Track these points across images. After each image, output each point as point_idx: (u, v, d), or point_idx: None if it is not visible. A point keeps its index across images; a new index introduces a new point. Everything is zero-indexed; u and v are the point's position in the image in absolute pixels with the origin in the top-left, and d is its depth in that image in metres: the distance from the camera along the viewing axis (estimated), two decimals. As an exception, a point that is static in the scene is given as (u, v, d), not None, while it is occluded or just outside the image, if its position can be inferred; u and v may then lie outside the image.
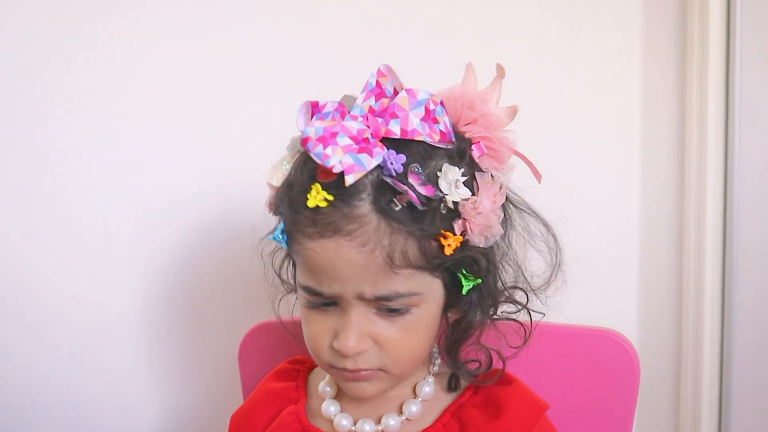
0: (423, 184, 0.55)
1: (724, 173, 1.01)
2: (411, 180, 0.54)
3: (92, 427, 1.01)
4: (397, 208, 0.54)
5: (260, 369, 0.81)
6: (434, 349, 0.69)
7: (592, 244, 1.01)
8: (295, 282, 0.67)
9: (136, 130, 0.99)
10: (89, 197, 0.99)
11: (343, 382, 0.64)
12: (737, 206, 1.00)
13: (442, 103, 0.58)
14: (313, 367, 0.76)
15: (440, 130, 0.57)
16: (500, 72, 0.60)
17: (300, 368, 0.75)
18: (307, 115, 0.58)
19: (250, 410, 0.74)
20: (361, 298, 0.58)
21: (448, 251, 0.56)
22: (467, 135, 0.60)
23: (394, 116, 0.55)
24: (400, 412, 0.66)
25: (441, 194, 0.55)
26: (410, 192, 0.53)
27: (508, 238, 0.65)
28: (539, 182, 0.63)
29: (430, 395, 0.67)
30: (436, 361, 0.68)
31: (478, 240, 0.58)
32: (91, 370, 1.00)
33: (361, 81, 0.60)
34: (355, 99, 0.59)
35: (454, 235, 0.56)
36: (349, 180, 0.52)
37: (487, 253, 0.61)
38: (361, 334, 0.59)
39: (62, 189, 0.99)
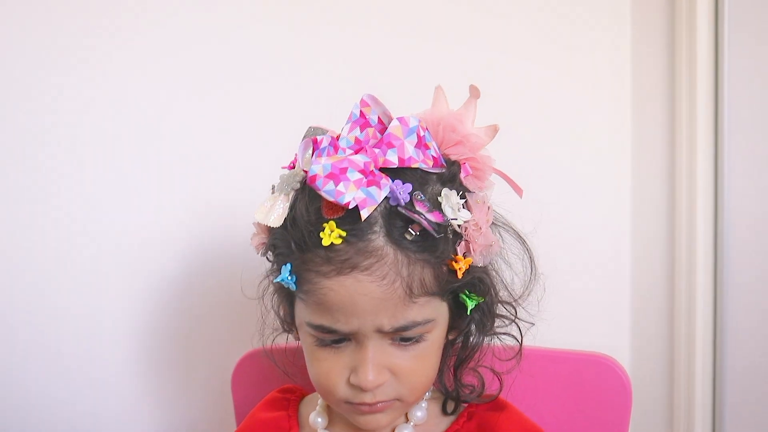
0: (430, 211, 0.56)
1: (714, 198, 1.03)
2: (419, 208, 0.55)
3: None
4: (410, 238, 0.55)
5: (253, 395, 0.81)
6: None
7: (582, 264, 1.03)
8: (292, 320, 0.66)
9: (134, 150, 1.00)
10: (83, 216, 1.00)
11: (356, 416, 0.63)
12: (728, 230, 1.02)
13: (427, 129, 0.59)
14: (303, 395, 0.76)
15: (432, 156, 0.58)
16: (474, 93, 0.61)
17: (291, 397, 0.75)
18: (308, 152, 0.57)
19: None
20: (380, 331, 0.57)
21: (460, 275, 0.57)
22: (453, 157, 0.61)
23: (391, 146, 0.56)
24: None
25: (447, 219, 0.56)
26: (423, 221, 0.54)
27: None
28: (520, 197, 0.64)
29: (422, 420, 0.67)
30: (430, 387, 0.68)
31: (478, 260, 0.59)
32: (84, 392, 1.00)
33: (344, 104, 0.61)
34: (323, 130, 0.59)
35: (463, 258, 0.58)
36: (364, 214, 0.52)
37: (488, 271, 0.63)
38: (379, 367, 0.58)
39: (55, 207, 0.99)
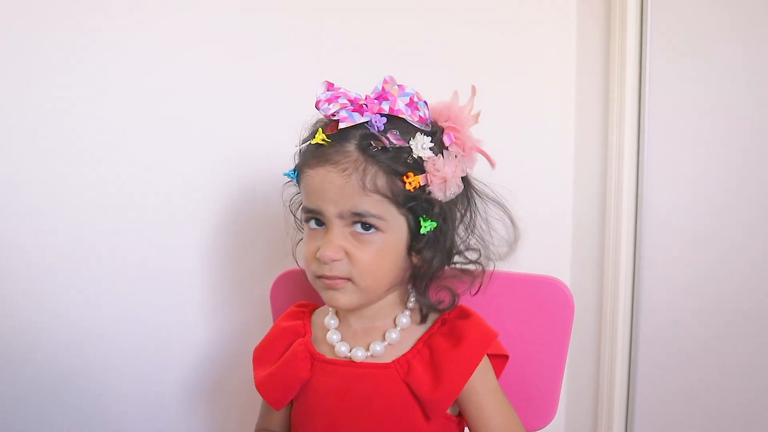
0: (397, 139, 0.72)
1: (636, 157, 1.18)
2: (389, 135, 0.72)
3: (155, 344, 1.12)
4: (374, 149, 0.71)
5: (287, 307, 0.92)
6: (409, 289, 0.81)
7: (536, 214, 1.15)
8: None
9: (192, 116, 1.09)
10: (156, 174, 1.09)
11: (323, 291, 0.76)
12: (647, 180, 1.18)
13: (425, 102, 0.75)
14: (314, 308, 0.89)
15: (419, 115, 0.74)
16: (473, 91, 0.77)
17: (305, 310, 0.88)
18: (324, 88, 0.75)
19: (268, 344, 0.86)
20: (341, 216, 0.72)
21: (408, 187, 0.71)
22: (441, 125, 0.76)
23: (385, 99, 0.73)
24: (384, 340, 0.78)
25: (409, 147, 0.72)
26: (384, 139, 0.71)
27: (471, 214, 0.79)
28: (493, 167, 0.78)
29: (407, 325, 0.79)
30: (411, 298, 0.81)
31: (437, 193, 0.72)
32: (159, 299, 1.11)
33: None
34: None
35: (414, 176, 0.71)
36: (342, 125, 0.71)
37: (443, 206, 0.74)
38: (337, 247, 0.72)
39: (134, 158, 1.07)
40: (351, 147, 0.72)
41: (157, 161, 1.09)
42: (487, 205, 0.80)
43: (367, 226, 0.73)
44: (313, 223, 0.76)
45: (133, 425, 1.11)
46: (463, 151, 0.75)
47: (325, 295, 0.77)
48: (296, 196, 0.86)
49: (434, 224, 0.74)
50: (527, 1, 1.20)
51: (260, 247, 1.16)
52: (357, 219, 0.73)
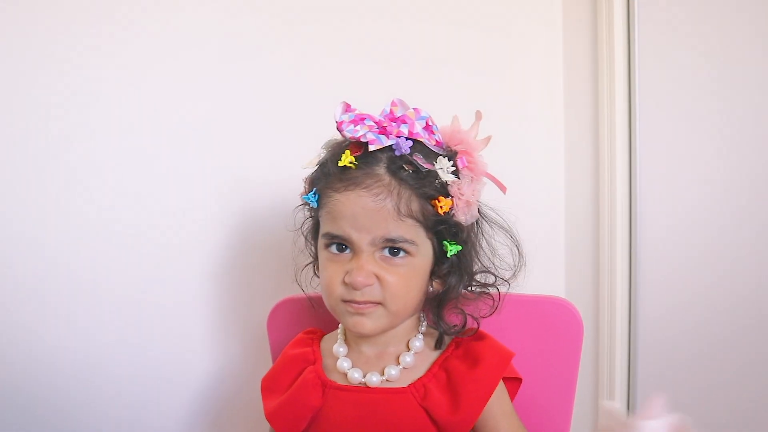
0: (424, 162, 0.71)
1: (629, 173, 1.20)
2: (415, 159, 0.71)
3: (154, 374, 1.09)
4: (405, 173, 0.71)
5: (285, 336, 0.92)
6: (421, 314, 0.81)
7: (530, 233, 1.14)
8: (316, 247, 0.80)
9: (193, 130, 1.08)
10: (153, 197, 1.07)
11: (349, 317, 0.75)
12: (641, 193, 1.19)
13: (435, 124, 0.75)
14: (322, 335, 0.87)
15: (435, 139, 0.75)
16: (478, 116, 0.78)
17: (313, 336, 0.87)
18: (343, 109, 0.74)
19: (277, 373, 0.85)
20: (373, 243, 0.71)
21: (440, 211, 0.71)
22: (453, 148, 0.77)
23: (404, 122, 0.73)
24: (398, 363, 0.77)
25: (435, 170, 0.72)
26: (416, 160, 0.70)
27: (478, 239, 0.80)
28: (504, 193, 0.78)
29: (420, 349, 0.78)
30: (423, 323, 0.81)
31: (461, 216, 0.73)
32: (157, 329, 1.09)
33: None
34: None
35: (445, 200, 0.72)
36: (372, 148, 0.70)
37: (467, 229, 0.75)
38: (368, 272, 0.71)
39: (130, 183, 1.05)
40: (381, 170, 0.71)
41: (150, 190, 1.07)
42: (493, 229, 0.81)
43: (396, 251, 0.72)
44: (334, 248, 0.75)
45: None
46: (474, 174, 0.76)
47: (350, 321, 0.75)
48: (308, 220, 0.84)
49: (459, 248, 0.74)
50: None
51: (259, 274, 1.15)
52: (389, 245, 0.72)
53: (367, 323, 0.74)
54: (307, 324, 0.92)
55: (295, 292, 0.94)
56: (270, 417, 0.81)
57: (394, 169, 0.71)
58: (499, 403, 0.77)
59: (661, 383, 1.20)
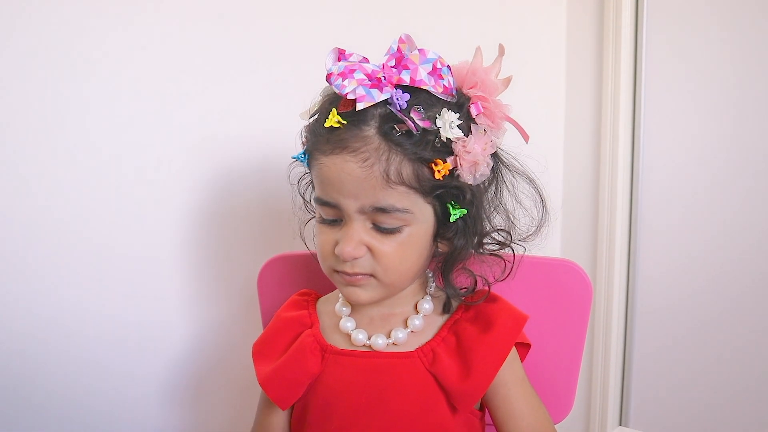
0: (422, 119, 0.64)
1: (632, 137, 1.16)
2: (413, 115, 0.63)
3: (126, 345, 1.00)
4: (397, 134, 0.63)
5: (277, 297, 0.88)
6: (430, 274, 0.77)
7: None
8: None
9: (184, 84, 0.99)
10: (140, 148, 0.97)
11: (342, 287, 0.71)
12: (643, 158, 1.17)
13: (449, 66, 0.67)
14: (317, 297, 0.83)
15: (444, 85, 0.65)
16: (501, 51, 0.69)
17: (308, 299, 0.83)
18: (335, 57, 0.66)
19: (270, 337, 0.80)
20: (362, 212, 0.66)
21: (437, 176, 0.64)
22: (467, 94, 0.68)
23: (406, 68, 0.64)
24: (406, 326, 0.74)
25: (436, 128, 0.64)
26: (409, 121, 0.62)
27: (498, 190, 0.73)
28: (526, 142, 0.71)
29: (429, 311, 0.74)
30: (432, 284, 0.76)
31: (467, 176, 0.65)
32: (127, 293, 0.99)
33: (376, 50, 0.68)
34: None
35: (443, 163, 0.64)
36: (360, 106, 0.62)
37: (474, 190, 0.68)
38: (358, 243, 0.66)
39: (111, 130, 0.94)
40: (371, 131, 0.64)
41: (127, 142, 0.96)
42: (516, 179, 0.74)
43: (388, 227, 0.67)
44: (326, 215, 0.70)
45: (112, 427, 1.00)
46: (492, 122, 0.68)
47: (344, 291, 0.72)
48: (306, 175, 0.79)
49: (464, 211, 0.68)
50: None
51: (245, 231, 1.07)
52: (380, 214, 0.66)
53: (362, 294, 0.71)
54: (302, 284, 0.88)
55: (288, 249, 0.87)
56: (264, 383, 0.76)
57: (385, 130, 0.63)
58: (511, 370, 0.73)
59: (657, 347, 1.19)
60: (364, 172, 0.63)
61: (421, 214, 0.68)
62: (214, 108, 1.02)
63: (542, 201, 0.74)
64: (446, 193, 0.67)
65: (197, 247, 1.05)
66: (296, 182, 0.81)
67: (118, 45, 0.93)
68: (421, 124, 0.63)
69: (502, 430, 0.74)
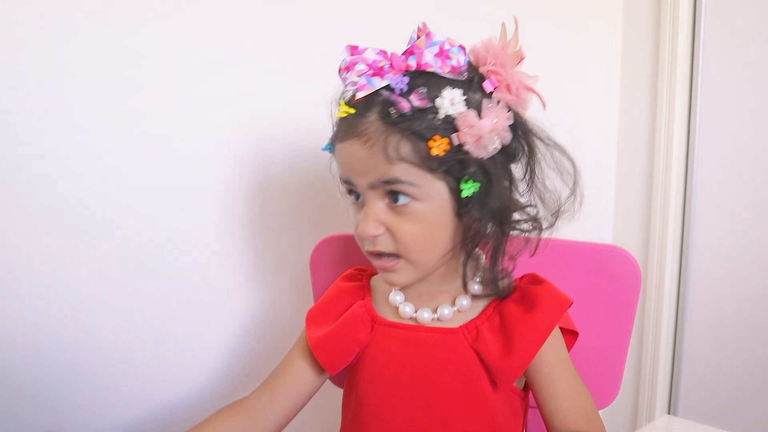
0: (421, 99, 0.66)
1: (687, 126, 1.13)
2: (413, 97, 0.66)
3: (192, 313, 1.04)
4: (394, 115, 0.66)
5: (329, 276, 0.91)
6: (481, 259, 0.77)
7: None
8: None
9: (232, 64, 1.01)
10: (186, 129, 0.99)
11: (380, 272, 0.75)
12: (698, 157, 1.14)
13: (461, 46, 0.68)
14: (371, 273, 0.87)
15: (452, 65, 0.67)
16: (516, 24, 0.69)
17: (363, 273, 0.87)
18: (347, 54, 0.70)
19: (325, 304, 0.83)
20: (373, 187, 0.69)
21: (435, 151, 0.65)
22: (483, 71, 0.69)
23: (412, 53, 0.68)
24: (453, 305, 0.76)
25: (433, 106, 0.66)
26: (402, 102, 0.65)
27: (531, 167, 0.72)
28: (544, 109, 0.71)
29: (478, 292, 0.76)
30: (482, 265, 0.77)
31: (476, 150, 0.66)
32: (191, 265, 1.03)
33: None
34: None
35: (441, 138, 0.65)
36: (359, 95, 0.67)
37: (484, 164, 0.67)
38: (375, 221, 0.69)
39: (161, 122, 0.97)
40: (373, 116, 0.68)
41: (170, 126, 0.99)
42: (551, 153, 0.72)
43: (397, 195, 0.68)
44: (353, 197, 0.74)
45: (171, 402, 1.04)
46: (510, 93, 0.68)
47: (383, 277, 0.75)
48: None
49: (477, 185, 0.68)
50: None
51: (298, 211, 1.10)
52: (389, 188, 0.69)
53: (395, 278, 0.73)
54: (354, 263, 0.90)
55: (339, 230, 0.90)
56: (315, 347, 0.79)
57: (384, 113, 0.67)
58: (554, 350, 0.74)
59: (708, 338, 1.17)
60: (366, 151, 0.68)
61: (432, 190, 0.69)
62: (261, 85, 1.05)
63: (574, 170, 0.72)
64: (454, 167, 0.68)
65: (250, 230, 1.08)
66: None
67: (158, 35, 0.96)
68: (418, 104, 0.66)
69: (544, 410, 0.74)
